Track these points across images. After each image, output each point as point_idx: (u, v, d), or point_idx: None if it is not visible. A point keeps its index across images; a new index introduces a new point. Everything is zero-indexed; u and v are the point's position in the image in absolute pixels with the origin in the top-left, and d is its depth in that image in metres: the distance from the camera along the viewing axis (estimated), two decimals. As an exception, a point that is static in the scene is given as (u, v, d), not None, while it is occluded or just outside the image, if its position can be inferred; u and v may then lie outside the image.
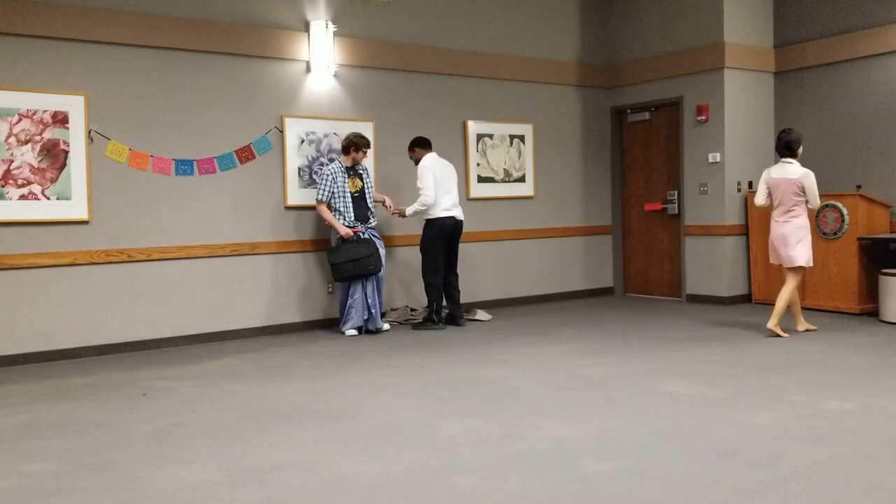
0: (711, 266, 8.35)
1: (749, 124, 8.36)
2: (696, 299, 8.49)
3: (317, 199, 6.80)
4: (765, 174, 6.43)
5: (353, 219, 6.79)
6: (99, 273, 6.19)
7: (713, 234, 8.30)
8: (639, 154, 9.17)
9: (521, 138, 8.55)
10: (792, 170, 6.22)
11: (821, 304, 7.44)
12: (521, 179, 8.58)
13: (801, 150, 6.35)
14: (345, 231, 6.71)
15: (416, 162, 7.16)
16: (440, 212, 7.05)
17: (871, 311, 7.17)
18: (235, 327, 6.81)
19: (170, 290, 6.50)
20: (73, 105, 6.05)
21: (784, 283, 6.33)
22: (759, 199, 6.42)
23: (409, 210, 7.10)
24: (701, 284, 8.46)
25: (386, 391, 4.84)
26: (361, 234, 6.79)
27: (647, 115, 9.01)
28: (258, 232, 6.91)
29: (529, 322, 7.43)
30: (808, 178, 6.17)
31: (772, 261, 6.48)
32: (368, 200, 6.95)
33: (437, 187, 7.00)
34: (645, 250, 9.17)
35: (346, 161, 6.85)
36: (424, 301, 7.81)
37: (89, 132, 6.13)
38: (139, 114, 6.35)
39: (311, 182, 7.14)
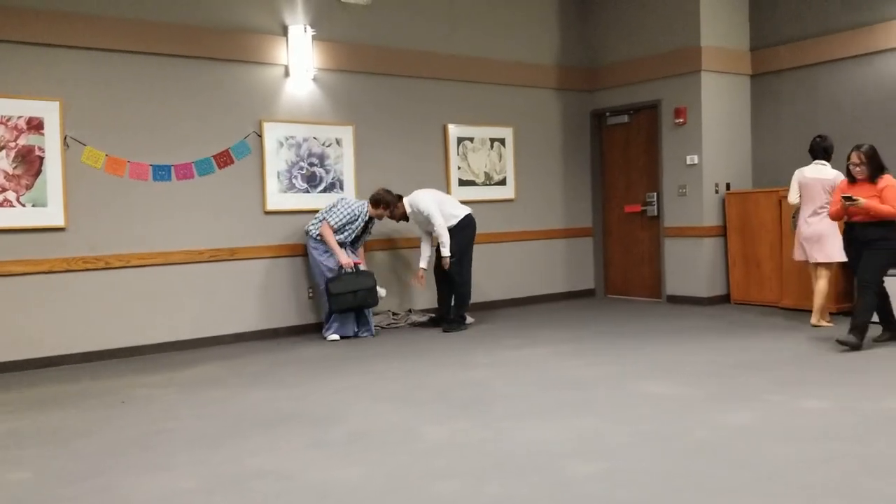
0: (690, 267, 8.40)
1: (726, 126, 8.43)
2: (675, 300, 8.54)
3: (328, 222, 6.72)
4: (797, 174, 6.81)
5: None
6: (76, 280, 6.13)
7: (692, 235, 8.36)
8: (618, 156, 9.21)
9: (502, 141, 8.57)
10: (826, 171, 6.65)
11: (799, 303, 7.50)
12: (502, 182, 8.59)
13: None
14: (346, 261, 6.71)
15: (401, 216, 7.16)
16: (462, 213, 7.17)
17: (847, 310, 7.22)
18: (215, 334, 6.77)
19: (149, 297, 6.45)
20: (49, 111, 5.99)
21: (817, 281, 6.70)
22: (793, 197, 6.85)
23: (445, 253, 7.02)
24: (680, 285, 8.51)
25: (367, 396, 4.82)
26: (361, 267, 6.83)
27: (626, 118, 9.06)
28: (238, 237, 6.87)
29: (511, 324, 7.44)
30: (840, 178, 6.49)
31: (797, 258, 6.81)
32: (359, 241, 7.06)
33: (442, 204, 7.11)
34: (625, 252, 9.21)
35: (372, 212, 6.93)
36: (406, 305, 7.82)
37: (65, 138, 6.07)
38: (116, 119, 6.30)
39: (290, 186, 7.11)
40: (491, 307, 8.42)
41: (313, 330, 7.15)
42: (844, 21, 7.75)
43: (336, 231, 6.75)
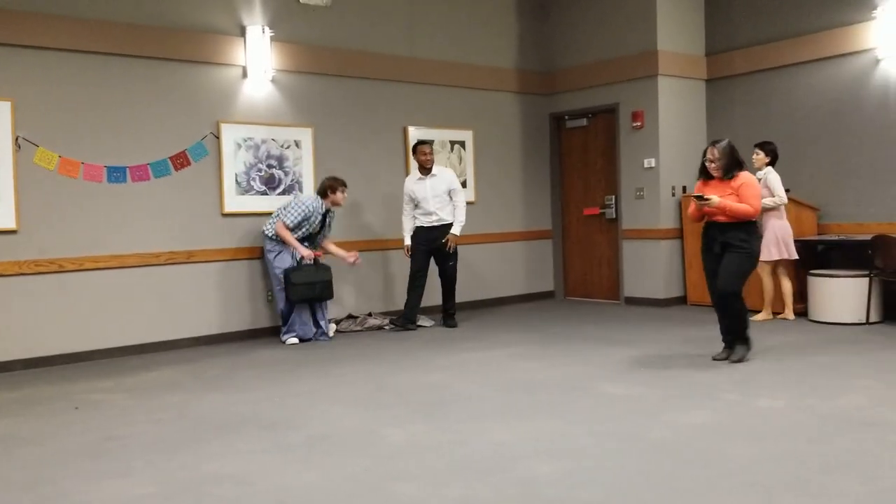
0: (648, 269, 8.51)
1: (682, 130, 8.56)
2: (633, 301, 8.63)
3: (283, 222, 6.67)
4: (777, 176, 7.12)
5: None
6: (28, 284, 5.99)
7: (649, 237, 8.47)
8: (577, 160, 9.29)
9: (462, 144, 8.59)
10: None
11: (753, 304, 7.61)
12: (462, 185, 8.59)
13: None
14: (307, 252, 6.69)
15: (429, 166, 7.25)
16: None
17: (800, 311, 7.39)
18: (172, 338, 6.66)
19: (103, 300, 6.33)
20: (-1, 111, 5.86)
21: (782, 277, 7.19)
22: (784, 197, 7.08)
23: (457, 231, 7.28)
24: (638, 287, 8.61)
25: (326, 400, 4.79)
26: (320, 260, 6.81)
27: (584, 122, 9.14)
28: (194, 240, 6.78)
29: (471, 327, 7.46)
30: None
31: (777, 256, 7.02)
32: (321, 237, 7.00)
33: None
34: (584, 254, 9.29)
35: (326, 203, 6.89)
36: (366, 307, 7.80)
37: (16, 139, 5.94)
38: (69, 120, 6.18)
39: (248, 188, 7.05)
40: (451, 309, 8.42)
41: (272, 333, 7.09)
42: (797, 27, 7.92)
43: (293, 229, 6.71)
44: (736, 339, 5.49)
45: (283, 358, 6.18)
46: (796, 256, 7.05)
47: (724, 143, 5.41)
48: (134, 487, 3.34)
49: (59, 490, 3.34)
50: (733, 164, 5.37)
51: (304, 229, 6.77)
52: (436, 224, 7.25)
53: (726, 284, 5.33)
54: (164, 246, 6.63)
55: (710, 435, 3.83)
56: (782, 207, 7.01)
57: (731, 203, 5.26)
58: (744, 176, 5.36)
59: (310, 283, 6.67)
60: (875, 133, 7.40)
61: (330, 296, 6.87)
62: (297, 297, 6.67)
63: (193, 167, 6.77)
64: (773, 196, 6.96)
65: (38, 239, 6.04)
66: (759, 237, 5.46)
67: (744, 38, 8.37)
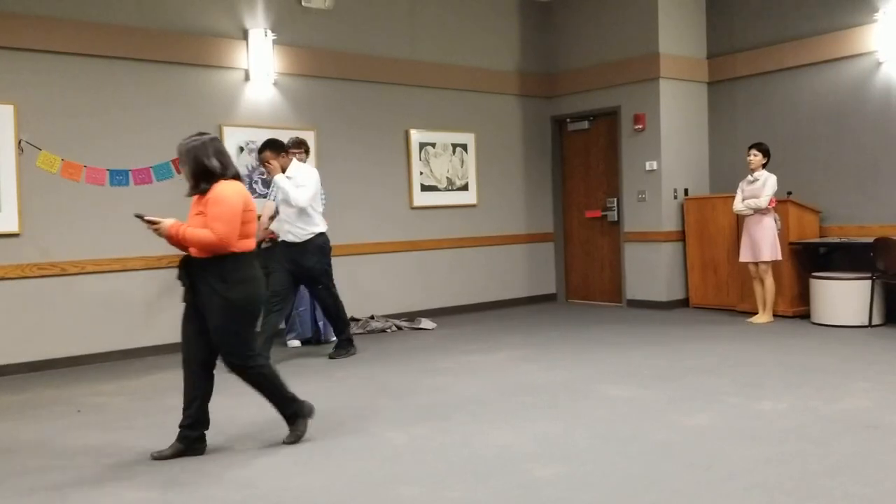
0: (650, 272, 8.50)
1: (684, 133, 8.56)
2: (636, 304, 8.63)
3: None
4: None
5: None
6: (31, 287, 6.00)
7: (651, 240, 8.46)
8: (579, 162, 9.30)
9: (464, 147, 8.60)
10: None
11: (756, 307, 7.61)
12: (465, 188, 8.62)
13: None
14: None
15: (282, 169, 5.89)
16: (324, 226, 6.11)
17: (803, 313, 7.38)
18: (174, 341, 6.62)
19: (105, 303, 6.33)
20: (2, 114, 5.86)
21: (766, 277, 7.22)
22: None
23: (283, 184, 5.82)
24: (640, 290, 8.61)
25: (328, 403, 4.79)
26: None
27: (586, 125, 9.15)
28: (197, 243, 6.78)
29: (473, 330, 7.45)
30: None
31: (769, 258, 7.13)
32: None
33: (316, 195, 6.03)
34: (586, 257, 9.29)
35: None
36: (370, 311, 7.78)
37: (19, 142, 5.95)
38: (72, 123, 6.20)
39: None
40: (452, 312, 8.43)
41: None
42: (798, 30, 7.92)
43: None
44: (287, 414, 3.94)
45: (285, 361, 6.17)
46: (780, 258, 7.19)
47: (185, 143, 3.79)
48: (135, 491, 3.35)
49: (60, 494, 3.34)
50: (204, 174, 3.77)
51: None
52: (290, 240, 5.98)
53: (225, 357, 3.76)
54: (166, 249, 6.58)
55: (712, 437, 3.83)
56: (770, 208, 7.11)
57: (187, 229, 3.71)
58: (217, 189, 3.73)
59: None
60: (876, 135, 7.39)
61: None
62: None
63: (196, 170, 6.77)
64: (760, 198, 7.04)
65: (40, 242, 6.04)
66: (241, 279, 3.71)
67: (745, 41, 8.37)
